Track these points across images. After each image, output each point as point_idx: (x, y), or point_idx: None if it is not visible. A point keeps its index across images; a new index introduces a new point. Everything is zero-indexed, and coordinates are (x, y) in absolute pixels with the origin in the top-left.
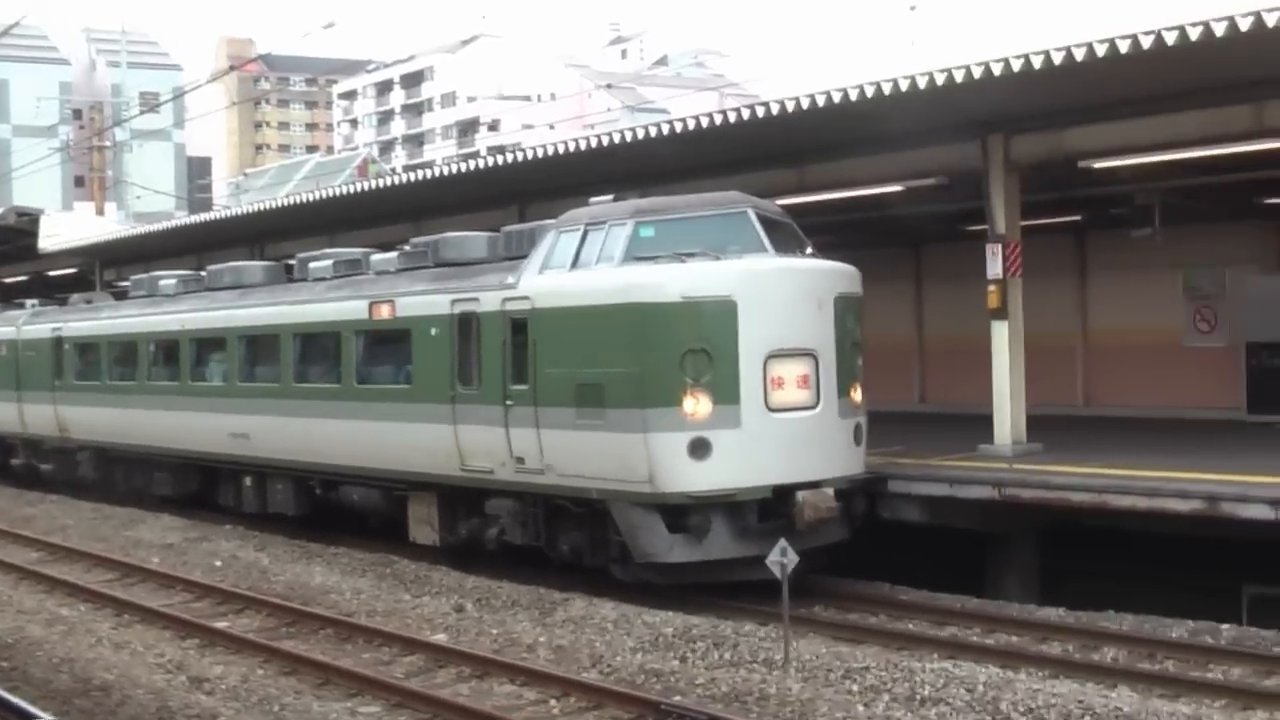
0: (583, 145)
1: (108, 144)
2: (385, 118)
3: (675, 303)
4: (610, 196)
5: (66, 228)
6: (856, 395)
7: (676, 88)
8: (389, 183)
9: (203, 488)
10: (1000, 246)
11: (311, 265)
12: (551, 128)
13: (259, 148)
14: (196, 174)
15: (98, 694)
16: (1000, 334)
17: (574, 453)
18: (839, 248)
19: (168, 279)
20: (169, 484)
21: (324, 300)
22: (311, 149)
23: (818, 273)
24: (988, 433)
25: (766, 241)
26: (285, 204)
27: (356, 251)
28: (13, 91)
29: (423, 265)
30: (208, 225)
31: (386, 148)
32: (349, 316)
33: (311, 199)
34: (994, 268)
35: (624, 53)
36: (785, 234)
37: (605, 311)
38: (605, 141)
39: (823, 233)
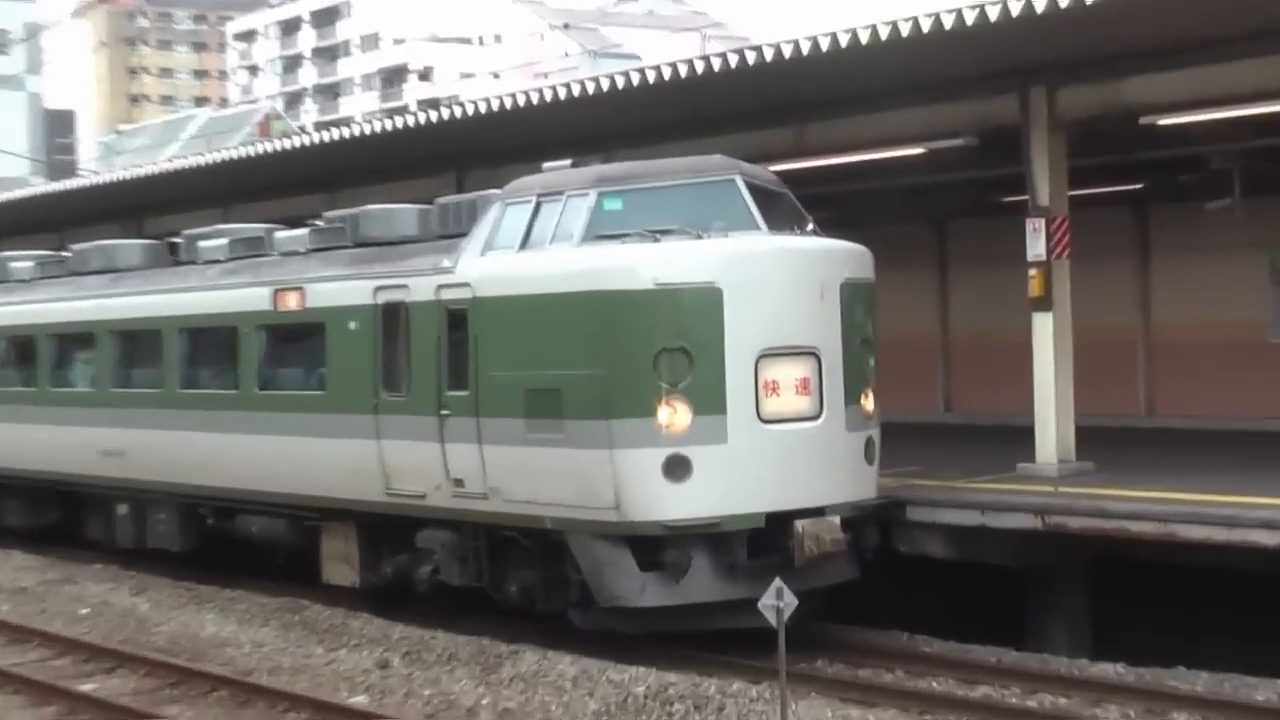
0: (534, 98)
1: None
2: (292, 64)
3: (647, 290)
4: (568, 161)
5: None
6: (867, 403)
7: (649, 28)
8: (297, 144)
9: (65, 518)
10: (1043, 222)
11: (201, 245)
12: (496, 77)
13: (135, 99)
14: (56, 131)
15: None
16: (1043, 328)
17: (524, 473)
18: (846, 224)
19: (20, 261)
20: (22, 513)
21: (217, 288)
22: (201, 102)
23: (820, 254)
24: (1027, 449)
25: (758, 216)
26: (169, 170)
27: (257, 228)
28: None
29: (339, 245)
30: (71, 195)
31: (294, 100)
32: (248, 307)
33: (201, 163)
34: (1036, 248)
35: None
36: (781, 207)
37: (562, 301)
38: (562, 94)
39: (827, 206)
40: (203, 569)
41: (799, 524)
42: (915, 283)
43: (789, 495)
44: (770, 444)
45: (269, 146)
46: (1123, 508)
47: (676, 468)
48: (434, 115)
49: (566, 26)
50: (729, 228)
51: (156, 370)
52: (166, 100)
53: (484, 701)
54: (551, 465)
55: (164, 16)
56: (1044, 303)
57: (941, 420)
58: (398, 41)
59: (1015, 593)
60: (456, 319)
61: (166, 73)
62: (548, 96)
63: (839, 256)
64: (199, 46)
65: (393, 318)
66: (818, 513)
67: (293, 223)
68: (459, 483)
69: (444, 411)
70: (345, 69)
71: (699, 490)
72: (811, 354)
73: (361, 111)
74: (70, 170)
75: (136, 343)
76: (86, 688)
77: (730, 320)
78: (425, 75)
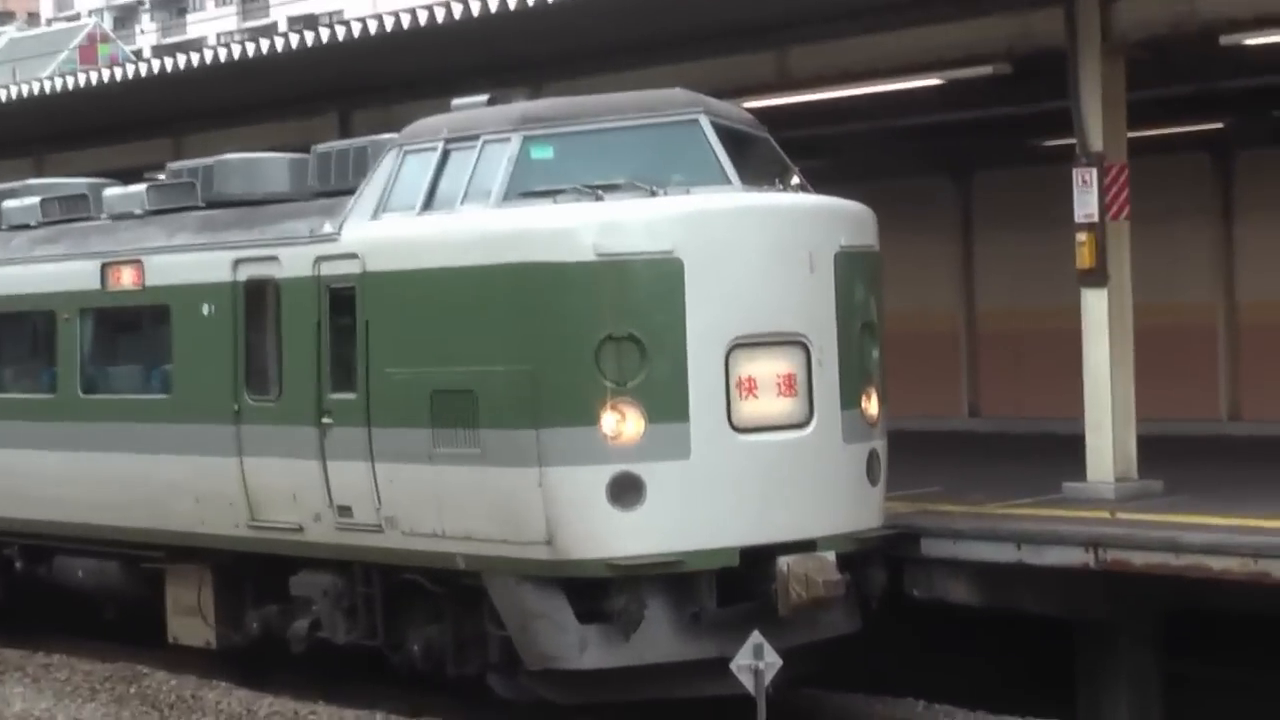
0: (440, 15)
1: None
2: None
3: (587, 263)
4: (484, 97)
5: None
6: (871, 406)
7: None
8: (131, 74)
9: None
10: (1095, 173)
11: (6, 206)
12: None
13: None
14: None
15: None
16: (1096, 309)
17: (430, 499)
18: (843, 178)
19: None
20: None
21: (26, 261)
22: (3, 18)
23: (809, 215)
24: (1076, 464)
25: (729, 167)
26: None
27: (80, 184)
28: None
29: (187, 206)
30: None
31: (126, 17)
32: (68, 287)
33: (4, 99)
34: (1085, 205)
35: None
36: (758, 155)
37: (477, 277)
38: (475, 8)
39: (818, 154)
40: (9, 627)
41: (783, 562)
42: (932, 252)
43: (770, 525)
44: (746, 459)
45: (94, 77)
46: (1200, 539)
47: (625, 491)
48: (309, 38)
49: None
50: (691, 182)
51: None
52: None
53: None
54: (465, 488)
55: None
56: (1096, 276)
57: (967, 427)
58: None
59: (1062, 650)
60: (341, 300)
61: None
62: (457, 12)
63: (833, 218)
64: None
65: (258, 299)
66: (807, 547)
67: (127, 177)
68: (345, 511)
69: (325, 420)
70: None
71: (654, 519)
72: (798, 343)
73: (216, 32)
74: None
75: None
76: None
77: (694, 300)
78: None
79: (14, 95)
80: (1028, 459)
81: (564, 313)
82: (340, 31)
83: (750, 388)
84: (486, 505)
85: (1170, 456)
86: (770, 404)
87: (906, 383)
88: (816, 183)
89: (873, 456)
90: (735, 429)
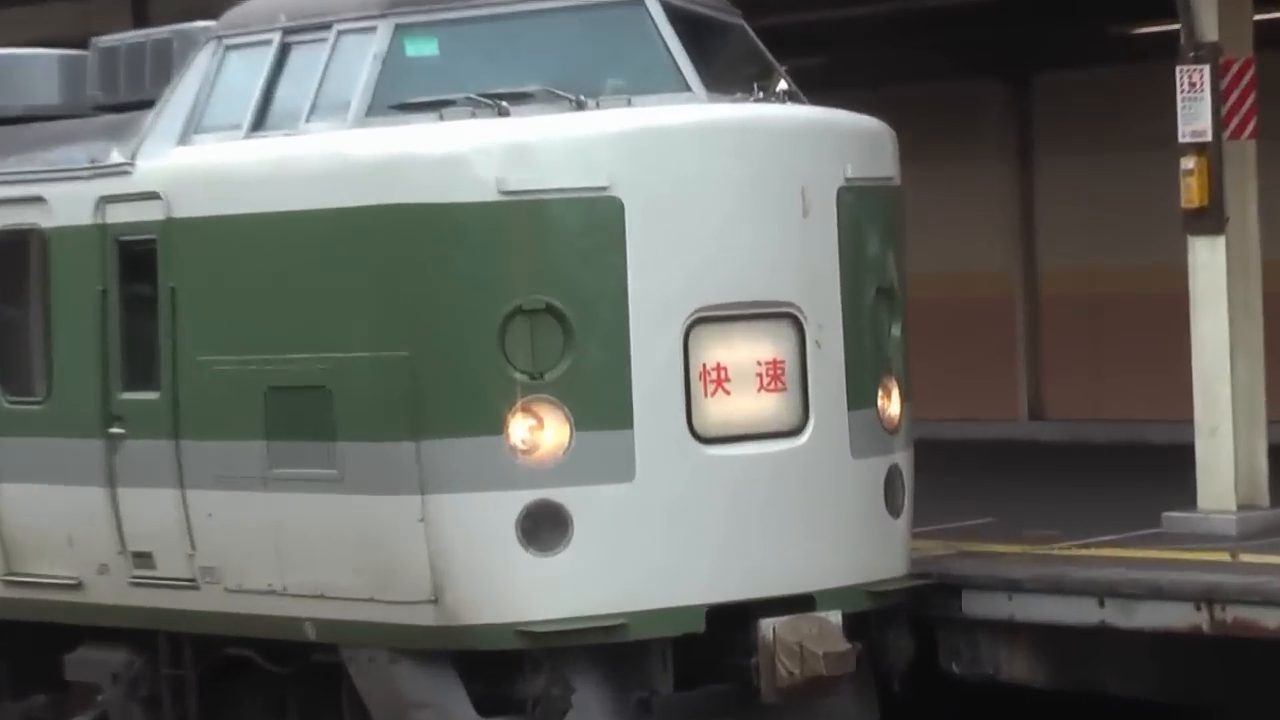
0: None
1: None
2: None
3: (487, 205)
4: None
5: None
6: (890, 405)
7: None
8: None
9: None
10: (1208, 71)
11: None
12: None
13: None
14: None
15: None
16: (1209, 265)
17: (266, 541)
18: (849, 82)
19: None
20: None
21: None
22: None
23: (801, 136)
24: (1181, 486)
25: (687, 67)
26: None
27: None
28: None
29: None
30: None
31: None
32: None
33: None
34: (1195, 118)
35: None
36: (730, 51)
37: (331, 225)
38: None
39: (814, 48)
40: None
41: (768, 626)
42: (975, 187)
43: (749, 574)
44: (714, 481)
45: None
46: None
47: (543, 527)
48: None
49: None
50: (635, 89)
51: None
52: None
53: None
54: (316, 526)
55: None
56: (1209, 219)
57: (1027, 434)
58: None
59: None
60: (137, 259)
61: None
62: None
63: (835, 140)
64: None
65: (14, 259)
66: (802, 605)
67: None
68: (144, 560)
69: (115, 430)
70: None
71: (584, 567)
72: (787, 316)
73: None
74: None
75: None
76: None
77: (639, 256)
78: None
79: None
80: (1112, 479)
81: (454, 275)
82: None
83: (720, 380)
84: (347, 549)
85: None
86: (748, 402)
87: (942, 372)
88: (812, 89)
89: (893, 476)
90: (698, 438)
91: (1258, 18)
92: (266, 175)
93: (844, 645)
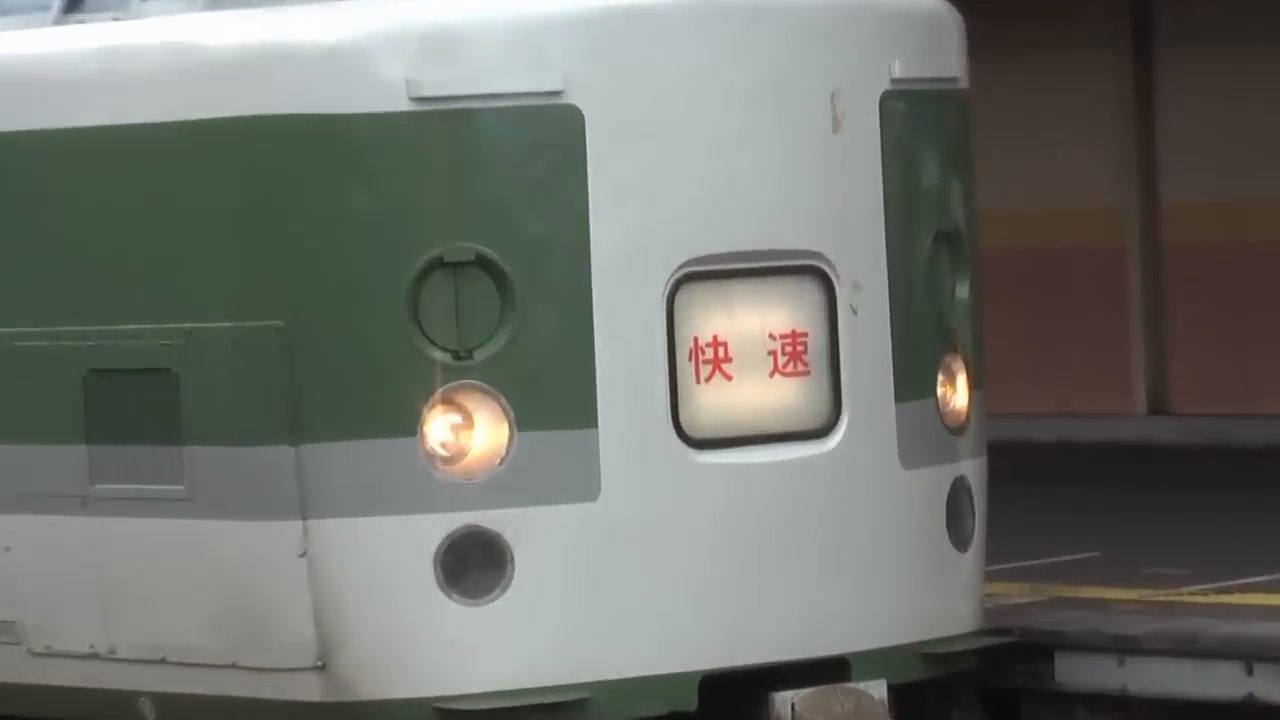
0: None
1: None
2: None
3: (394, 116)
4: None
5: None
6: (955, 393)
7: None
8: None
9: None
10: None
11: None
12: None
13: None
14: None
15: None
16: None
17: (86, 583)
18: None
19: None
20: None
21: None
22: None
23: (828, 22)
24: None
25: None
26: None
27: None
28: None
29: None
30: None
31: None
32: None
33: None
34: None
35: None
36: None
37: (174, 145)
38: None
39: None
40: None
41: (784, 702)
42: (1075, 90)
43: (759, 629)
44: (708, 500)
45: None
46: None
47: (472, 563)
48: None
49: None
50: None
51: None
52: None
53: None
54: (155, 563)
55: None
56: None
57: (1144, 434)
58: None
59: None
60: None
61: None
62: None
63: (878, 27)
64: None
65: None
66: (833, 671)
67: None
68: None
69: None
70: None
71: (530, 618)
72: (811, 270)
73: None
74: None
75: None
76: None
77: (605, 188)
78: None
79: None
80: (1261, 498)
81: (347, 215)
82: None
83: (718, 360)
84: (200, 596)
85: None
86: (757, 391)
87: (1028, 348)
88: None
89: (959, 493)
90: (688, 441)
91: None
92: (85, 75)
93: None
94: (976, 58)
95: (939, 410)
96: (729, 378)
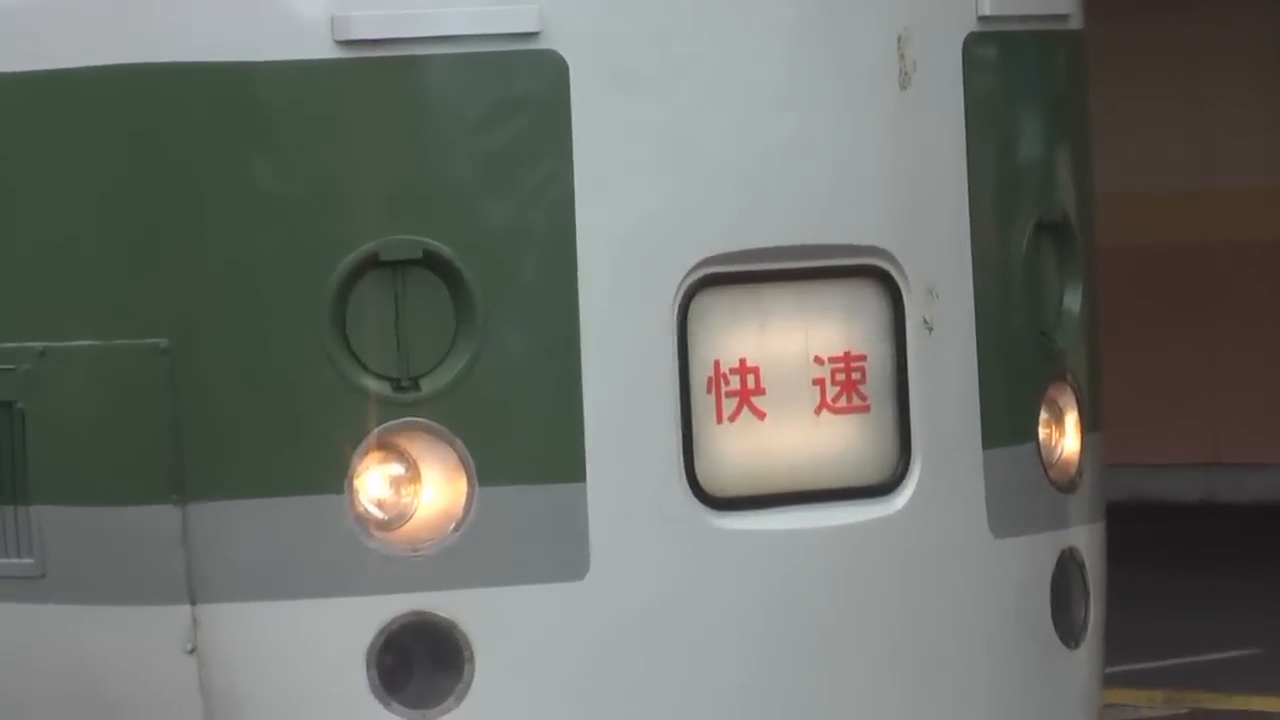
0: None
1: None
2: None
3: (315, 65)
4: None
5: None
6: (1063, 438)
7: None
8: None
9: None
10: None
11: None
12: None
13: None
14: None
15: None
16: None
17: None
18: None
19: None
20: None
21: None
22: None
23: None
24: None
25: None
26: None
27: None
28: None
29: None
30: None
31: None
32: None
33: None
34: None
35: None
36: None
37: (28, 103)
38: None
39: None
40: None
41: None
42: (1224, 43)
43: None
44: (734, 579)
45: None
46: None
47: (418, 664)
48: None
49: None
50: None
51: None
52: None
53: None
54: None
55: None
56: None
57: None
58: None
59: None
60: None
61: None
62: None
63: None
64: None
65: None
66: None
67: None
68: None
69: None
70: None
71: None
72: (871, 271)
73: None
74: None
75: None
76: None
77: (596, 163)
78: None
79: None
80: None
81: (254, 197)
82: None
83: (745, 391)
84: (50, 703)
85: None
86: (798, 433)
87: (1161, 379)
88: None
89: (1069, 569)
90: (705, 500)
91: None
92: None
93: None
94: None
95: (1041, 459)
96: (760, 415)
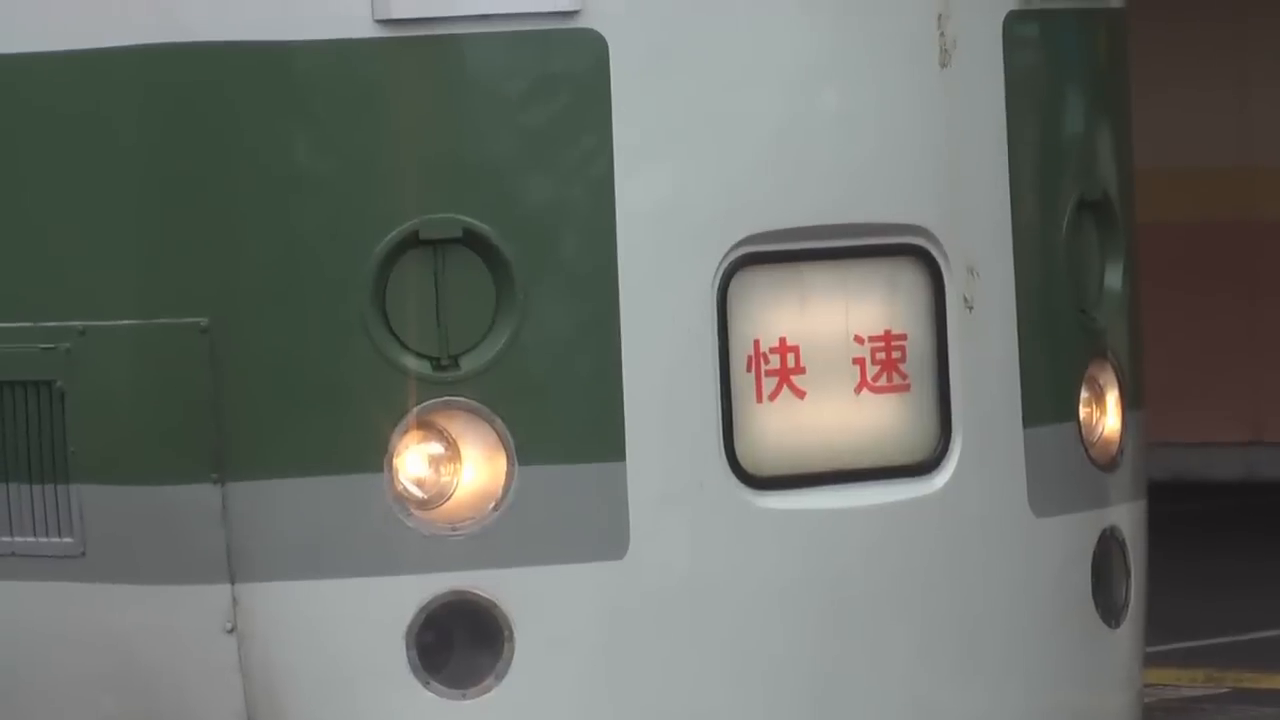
0: None
1: None
2: None
3: (354, 44)
4: None
5: None
6: (1104, 417)
7: None
8: None
9: None
10: None
11: None
12: None
13: None
14: None
15: None
16: None
17: None
18: None
19: None
20: None
21: None
22: None
23: None
24: None
25: None
26: None
27: None
28: None
29: None
30: None
31: None
32: None
33: None
34: None
35: None
36: None
37: (60, 84)
38: None
39: None
40: None
41: None
42: (1272, 14)
43: None
44: (774, 558)
45: None
46: None
47: (457, 642)
48: None
49: None
50: None
51: None
52: None
53: None
54: (33, 640)
55: None
56: None
57: None
58: None
59: None
60: None
61: None
62: None
63: None
64: None
65: None
66: None
67: None
68: None
69: None
70: None
71: (534, 717)
72: (911, 250)
73: None
74: None
75: None
76: None
77: (636, 142)
78: None
79: None
80: None
81: (290, 177)
82: None
83: (785, 370)
84: (90, 682)
85: None
86: (839, 413)
87: (1203, 357)
88: None
89: (1110, 549)
90: (745, 479)
91: None
92: None
93: None
94: None
95: (1082, 438)
96: (800, 394)
